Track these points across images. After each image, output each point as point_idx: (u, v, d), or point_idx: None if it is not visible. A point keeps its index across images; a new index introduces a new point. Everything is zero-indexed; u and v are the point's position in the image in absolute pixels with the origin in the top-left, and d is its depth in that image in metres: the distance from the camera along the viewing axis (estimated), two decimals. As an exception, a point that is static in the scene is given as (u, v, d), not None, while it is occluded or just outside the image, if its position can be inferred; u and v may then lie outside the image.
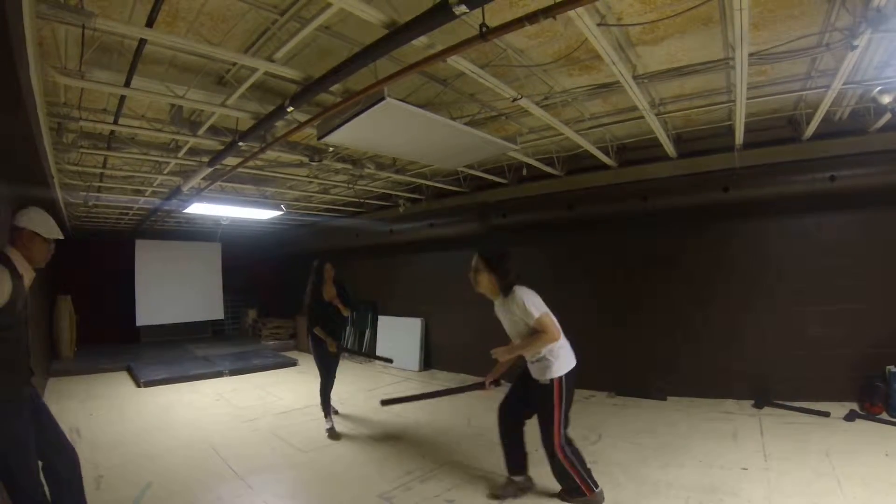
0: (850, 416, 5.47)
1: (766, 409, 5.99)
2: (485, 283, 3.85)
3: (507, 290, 3.78)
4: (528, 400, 3.96)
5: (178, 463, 4.93)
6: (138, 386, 8.51)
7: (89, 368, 9.73)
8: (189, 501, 4.12)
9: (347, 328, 11.57)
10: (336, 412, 6.37)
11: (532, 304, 3.64)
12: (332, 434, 5.75)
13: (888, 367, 5.56)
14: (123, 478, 4.45)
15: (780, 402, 6.05)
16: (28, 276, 2.96)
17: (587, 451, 5.00)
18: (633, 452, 4.86)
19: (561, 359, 3.74)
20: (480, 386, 4.18)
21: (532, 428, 3.99)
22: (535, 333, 3.64)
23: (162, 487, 4.33)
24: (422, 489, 4.27)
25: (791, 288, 6.31)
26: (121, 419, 6.48)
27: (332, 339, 5.95)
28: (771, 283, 6.44)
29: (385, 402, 4.86)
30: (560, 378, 3.70)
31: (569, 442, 3.84)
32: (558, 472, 3.85)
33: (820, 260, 6.19)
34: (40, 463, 2.93)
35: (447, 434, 5.79)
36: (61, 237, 3.13)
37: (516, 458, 4.12)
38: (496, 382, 4.18)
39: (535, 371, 3.82)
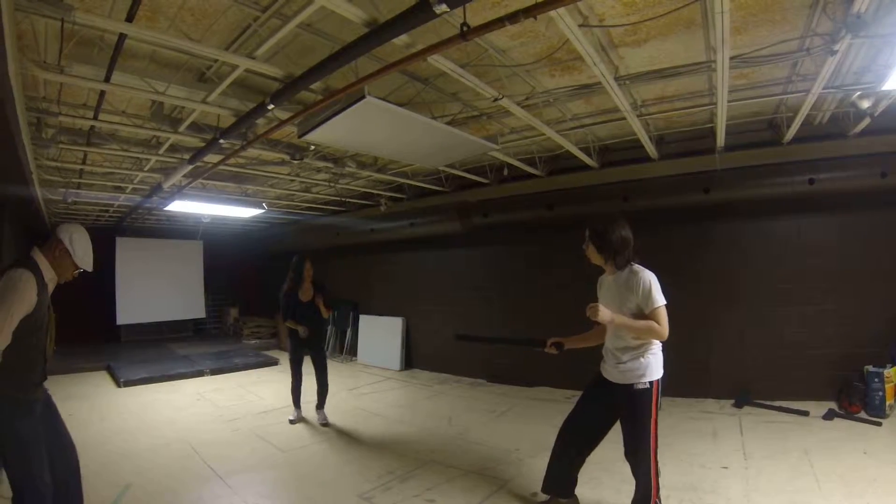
0: (829, 415, 5.55)
1: (746, 409, 6.05)
2: (594, 256, 3.48)
3: (621, 265, 3.33)
4: (606, 415, 3.47)
5: (158, 463, 4.88)
6: (118, 385, 8.41)
7: (68, 368, 9.53)
8: (169, 502, 4.08)
9: (329, 330, 11.50)
10: (298, 415, 6.35)
11: (658, 290, 3.20)
12: (291, 423, 6.19)
13: (866, 366, 5.64)
14: (102, 478, 4.38)
15: (760, 402, 6.12)
16: (52, 284, 3.01)
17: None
18: (615, 451, 4.79)
19: (658, 358, 3.31)
20: (541, 343, 3.66)
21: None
22: (648, 322, 3.18)
23: (141, 488, 4.29)
24: (402, 488, 4.26)
25: (770, 288, 6.37)
26: (100, 419, 6.39)
27: (305, 328, 5.98)
28: (750, 283, 6.52)
29: (459, 337, 4.83)
30: (658, 381, 3.25)
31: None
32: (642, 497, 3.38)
33: (799, 261, 6.27)
34: None
35: (428, 433, 5.79)
36: (90, 269, 3.13)
37: (563, 481, 3.72)
38: (559, 346, 3.64)
39: (623, 374, 3.29)
